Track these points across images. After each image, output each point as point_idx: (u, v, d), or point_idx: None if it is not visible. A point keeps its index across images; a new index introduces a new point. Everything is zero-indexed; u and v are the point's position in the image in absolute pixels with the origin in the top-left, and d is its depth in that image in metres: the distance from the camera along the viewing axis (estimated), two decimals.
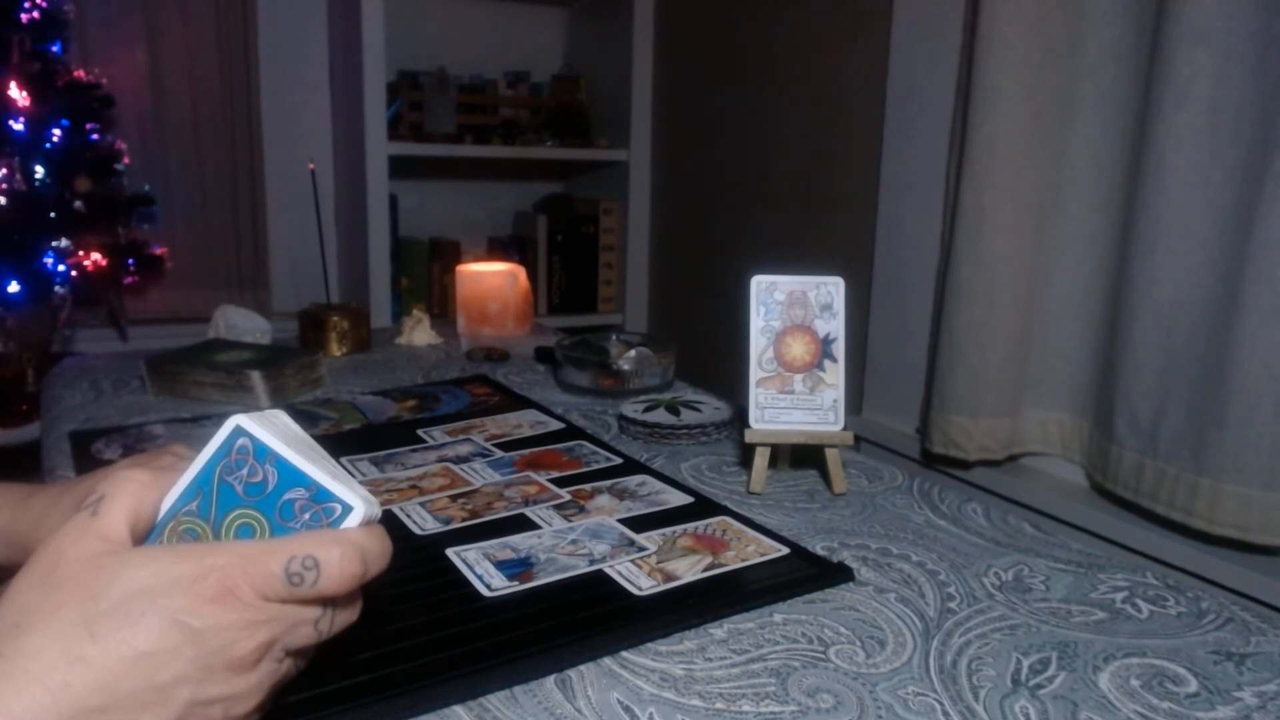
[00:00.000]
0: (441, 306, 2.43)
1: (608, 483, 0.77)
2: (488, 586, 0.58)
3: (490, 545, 0.64)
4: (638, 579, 0.60)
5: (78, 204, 1.99)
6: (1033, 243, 1.29)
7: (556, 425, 0.94)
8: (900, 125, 1.59)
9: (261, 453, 0.38)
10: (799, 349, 0.77)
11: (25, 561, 0.35)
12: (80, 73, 2.01)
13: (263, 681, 0.36)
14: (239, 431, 0.39)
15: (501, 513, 0.70)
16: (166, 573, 0.34)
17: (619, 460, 0.83)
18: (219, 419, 0.40)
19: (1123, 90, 1.20)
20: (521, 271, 1.47)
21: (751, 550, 0.65)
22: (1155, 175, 1.11)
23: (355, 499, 0.38)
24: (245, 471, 0.38)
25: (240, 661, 0.35)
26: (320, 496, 0.38)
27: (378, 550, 0.38)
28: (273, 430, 0.39)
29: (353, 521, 0.38)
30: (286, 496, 0.38)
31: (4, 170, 1.91)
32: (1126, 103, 1.20)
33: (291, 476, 0.38)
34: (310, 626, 0.37)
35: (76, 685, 0.32)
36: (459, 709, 0.47)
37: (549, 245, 2.47)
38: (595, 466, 0.82)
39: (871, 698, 0.49)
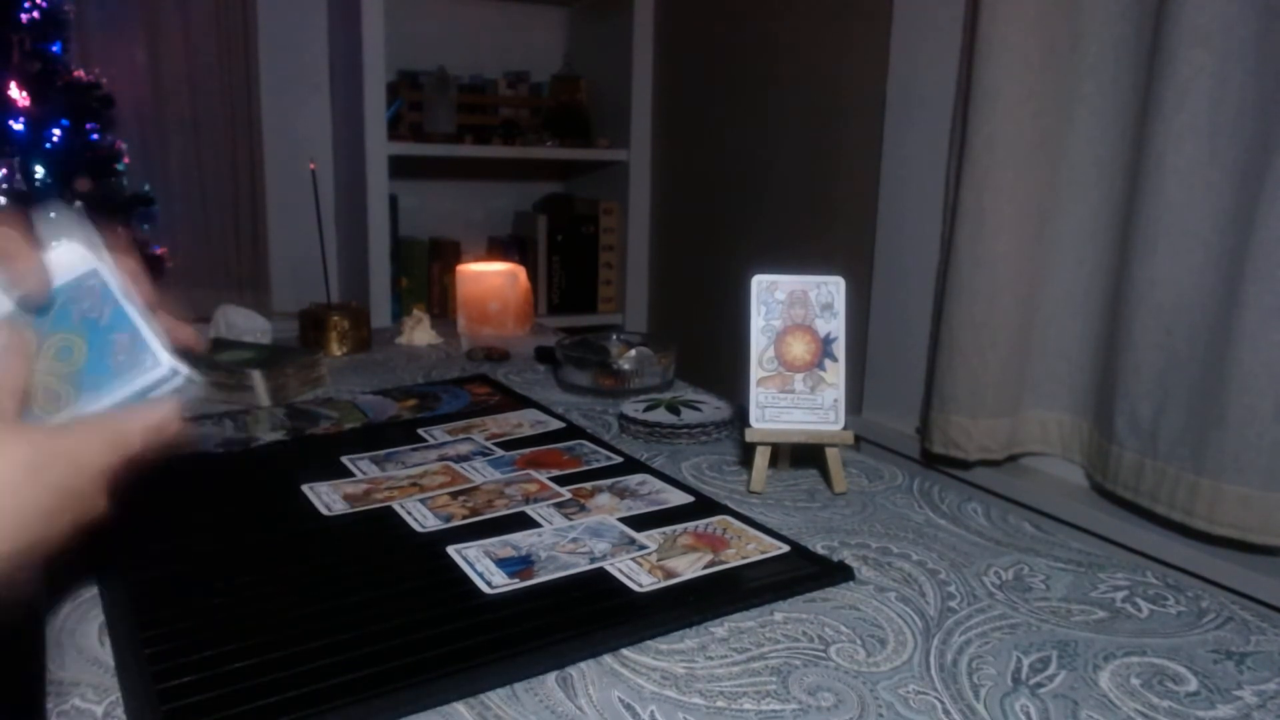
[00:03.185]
0: (441, 306, 2.43)
1: (608, 481, 0.77)
2: (488, 584, 0.58)
3: (491, 543, 0.64)
4: (638, 576, 0.60)
5: (78, 204, 1.99)
6: (1033, 243, 1.29)
7: (557, 425, 0.94)
8: (900, 125, 1.59)
9: (106, 295, 0.45)
10: (799, 348, 0.77)
11: None
12: (80, 73, 2.00)
13: None
14: (95, 274, 0.45)
15: (502, 510, 0.70)
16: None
17: (619, 459, 0.83)
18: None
19: (1123, 90, 1.20)
20: (521, 271, 1.47)
21: (752, 549, 0.65)
22: (1155, 175, 1.11)
23: (165, 357, 0.44)
24: (87, 305, 0.44)
25: None
26: (139, 346, 0.44)
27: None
28: (117, 280, 0.45)
29: (155, 376, 0.43)
30: (112, 336, 0.44)
31: (4, 170, 1.91)
32: (1126, 103, 1.20)
33: (123, 322, 0.44)
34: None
35: None
36: (459, 706, 0.47)
37: (549, 245, 2.47)
38: (596, 465, 0.82)
39: (872, 696, 0.49)
